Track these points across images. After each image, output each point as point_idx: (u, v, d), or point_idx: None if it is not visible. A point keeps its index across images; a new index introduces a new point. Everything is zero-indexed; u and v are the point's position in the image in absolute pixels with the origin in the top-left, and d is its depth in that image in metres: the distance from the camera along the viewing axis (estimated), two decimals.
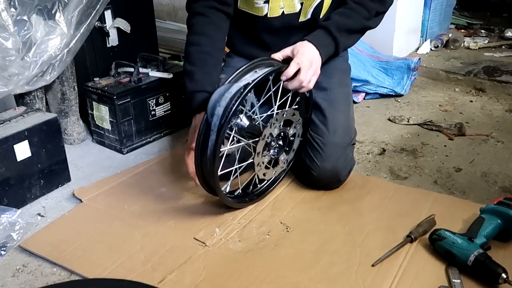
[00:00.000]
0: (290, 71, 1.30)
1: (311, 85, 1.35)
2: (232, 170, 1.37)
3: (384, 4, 1.46)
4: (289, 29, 1.49)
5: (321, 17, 1.48)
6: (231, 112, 1.18)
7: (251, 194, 1.47)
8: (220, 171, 1.29)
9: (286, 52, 1.35)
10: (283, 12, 1.45)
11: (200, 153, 1.24)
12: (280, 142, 1.45)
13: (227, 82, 1.22)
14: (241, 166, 1.38)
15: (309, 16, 1.47)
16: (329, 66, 1.52)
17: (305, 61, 1.32)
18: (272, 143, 1.41)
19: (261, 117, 1.34)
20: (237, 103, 1.18)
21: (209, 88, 1.36)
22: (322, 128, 1.48)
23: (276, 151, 1.44)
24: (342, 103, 1.53)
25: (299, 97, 1.43)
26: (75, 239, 1.33)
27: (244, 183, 1.46)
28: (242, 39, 1.57)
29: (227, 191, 1.40)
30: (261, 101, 1.35)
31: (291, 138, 1.45)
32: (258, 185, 1.48)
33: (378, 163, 1.74)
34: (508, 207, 1.26)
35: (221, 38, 1.47)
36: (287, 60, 1.33)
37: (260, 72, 1.25)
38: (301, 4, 1.44)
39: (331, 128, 1.48)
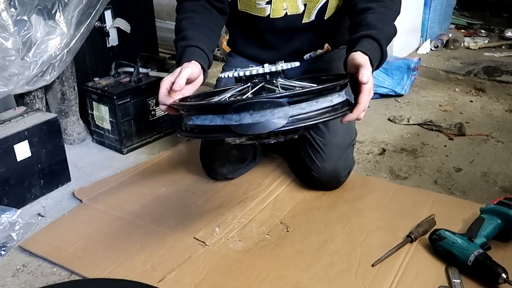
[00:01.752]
0: (362, 107, 1.06)
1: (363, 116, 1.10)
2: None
3: (401, 5, 1.36)
4: (292, 30, 1.49)
5: (325, 18, 1.47)
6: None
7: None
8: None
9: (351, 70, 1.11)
10: (286, 13, 1.44)
11: None
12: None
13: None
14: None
15: (313, 17, 1.46)
16: (330, 66, 1.52)
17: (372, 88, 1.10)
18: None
19: None
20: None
21: (203, 46, 1.25)
22: (323, 129, 1.48)
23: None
24: None
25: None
26: (75, 239, 1.34)
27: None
28: (245, 39, 1.57)
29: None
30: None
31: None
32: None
33: (378, 163, 1.74)
34: (508, 207, 1.26)
35: (214, 21, 1.38)
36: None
37: (322, 113, 0.95)
38: (305, 5, 1.44)
39: (331, 128, 1.47)
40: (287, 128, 0.90)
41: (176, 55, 1.29)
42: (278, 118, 0.90)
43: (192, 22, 1.33)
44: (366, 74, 1.05)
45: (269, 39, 1.52)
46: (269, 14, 1.44)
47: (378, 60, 1.20)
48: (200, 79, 1.20)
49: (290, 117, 0.91)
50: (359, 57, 1.10)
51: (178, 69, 1.16)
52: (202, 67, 1.21)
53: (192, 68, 1.16)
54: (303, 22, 1.47)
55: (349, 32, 1.30)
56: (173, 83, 1.12)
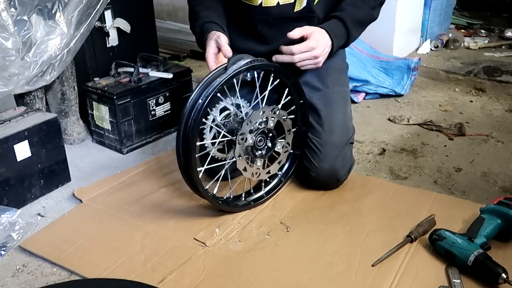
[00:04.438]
0: (290, 50, 1.33)
1: (300, 66, 1.36)
2: (222, 173, 1.36)
3: None
4: (285, 20, 1.48)
5: (314, 4, 1.47)
6: (247, 68, 1.27)
7: (239, 201, 1.45)
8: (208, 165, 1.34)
9: (305, 31, 1.34)
10: (278, 2, 1.45)
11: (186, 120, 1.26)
12: (268, 144, 1.40)
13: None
14: (229, 162, 1.36)
15: (304, 4, 1.46)
16: (325, 65, 1.52)
17: (321, 45, 1.35)
18: (257, 145, 1.37)
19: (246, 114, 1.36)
20: (252, 64, 1.28)
21: (218, 21, 1.42)
22: (318, 129, 1.48)
23: (263, 152, 1.39)
24: (339, 103, 1.53)
25: (293, 107, 1.43)
26: (75, 239, 1.34)
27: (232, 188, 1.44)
28: (240, 34, 1.57)
29: (215, 192, 1.39)
30: (253, 103, 1.37)
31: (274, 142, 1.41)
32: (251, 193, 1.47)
33: (378, 163, 1.74)
34: (508, 207, 1.26)
35: (221, 2, 1.52)
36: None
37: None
38: None
39: (327, 128, 1.48)
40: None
41: (196, 35, 1.46)
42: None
43: (204, 5, 1.48)
44: (296, 30, 1.33)
45: (262, 31, 1.51)
46: (261, 3, 1.45)
47: (344, 38, 1.42)
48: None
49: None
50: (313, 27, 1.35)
51: (212, 41, 1.34)
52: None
53: (224, 36, 1.35)
54: (295, 10, 1.46)
55: None
56: (217, 53, 1.34)
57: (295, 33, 1.33)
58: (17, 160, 1.49)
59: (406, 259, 1.23)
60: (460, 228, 1.31)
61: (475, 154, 1.78)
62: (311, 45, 1.33)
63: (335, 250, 1.27)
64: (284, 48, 1.35)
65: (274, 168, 1.45)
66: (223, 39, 1.34)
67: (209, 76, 1.28)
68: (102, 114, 1.85)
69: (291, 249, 1.29)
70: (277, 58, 1.36)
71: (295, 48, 1.33)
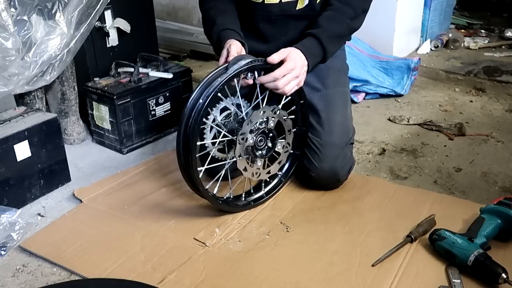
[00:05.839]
0: (272, 75, 1.30)
1: (286, 89, 1.32)
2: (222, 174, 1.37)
3: (368, 0, 1.46)
4: (287, 18, 1.49)
5: (317, 2, 1.47)
6: (247, 68, 1.28)
7: (239, 200, 1.45)
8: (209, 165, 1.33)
9: (282, 55, 1.32)
10: (280, 0, 1.45)
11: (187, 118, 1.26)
12: (269, 144, 1.40)
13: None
14: (229, 162, 1.37)
15: (306, 2, 1.46)
16: (325, 66, 1.52)
17: (298, 65, 1.33)
18: (257, 145, 1.37)
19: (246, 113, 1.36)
20: (253, 64, 1.29)
21: (234, 26, 1.43)
22: (318, 129, 1.48)
23: (263, 152, 1.39)
24: (339, 103, 1.53)
25: (294, 107, 1.43)
26: (75, 239, 1.34)
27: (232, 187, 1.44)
28: (242, 32, 1.58)
29: (215, 192, 1.39)
30: (252, 104, 1.37)
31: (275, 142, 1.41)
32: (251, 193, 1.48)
33: (378, 163, 1.74)
34: (508, 207, 1.26)
35: (233, 4, 1.51)
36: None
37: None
38: None
39: (327, 128, 1.48)
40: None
41: (212, 43, 1.46)
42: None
43: (218, 9, 1.48)
44: (274, 56, 1.30)
45: (264, 29, 1.52)
46: (263, 0, 1.45)
47: (320, 56, 1.41)
48: (244, 52, 1.38)
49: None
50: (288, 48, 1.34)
51: (224, 51, 1.35)
52: (241, 42, 1.39)
53: (235, 44, 1.35)
54: (297, 8, 1.46)
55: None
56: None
57: (274, 58, 1.30)
58: (17, 160, 1.49)
59: (406, 259, 1.23)
60: (460, 228, 1.31)
61: (475, 154, 1.78)
62: (290, 66, 1.31)
63: (335, 250, 1.27)
64: (265, 78, 1.30)
65: (274, 168, 1.45)
66: (233, 48, 1.34)
67: (209, 76, 1.28)
68: (102, 114, 1.85)
69: (291, 249, 1.29)
70: (260, 80, 1.31)
71: (277, 73, 1.29)
